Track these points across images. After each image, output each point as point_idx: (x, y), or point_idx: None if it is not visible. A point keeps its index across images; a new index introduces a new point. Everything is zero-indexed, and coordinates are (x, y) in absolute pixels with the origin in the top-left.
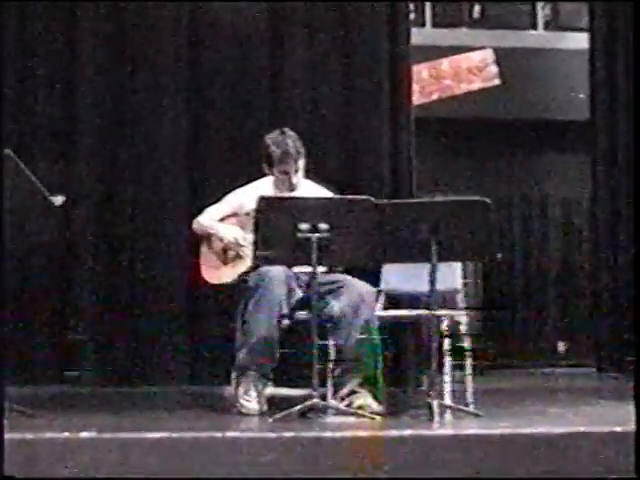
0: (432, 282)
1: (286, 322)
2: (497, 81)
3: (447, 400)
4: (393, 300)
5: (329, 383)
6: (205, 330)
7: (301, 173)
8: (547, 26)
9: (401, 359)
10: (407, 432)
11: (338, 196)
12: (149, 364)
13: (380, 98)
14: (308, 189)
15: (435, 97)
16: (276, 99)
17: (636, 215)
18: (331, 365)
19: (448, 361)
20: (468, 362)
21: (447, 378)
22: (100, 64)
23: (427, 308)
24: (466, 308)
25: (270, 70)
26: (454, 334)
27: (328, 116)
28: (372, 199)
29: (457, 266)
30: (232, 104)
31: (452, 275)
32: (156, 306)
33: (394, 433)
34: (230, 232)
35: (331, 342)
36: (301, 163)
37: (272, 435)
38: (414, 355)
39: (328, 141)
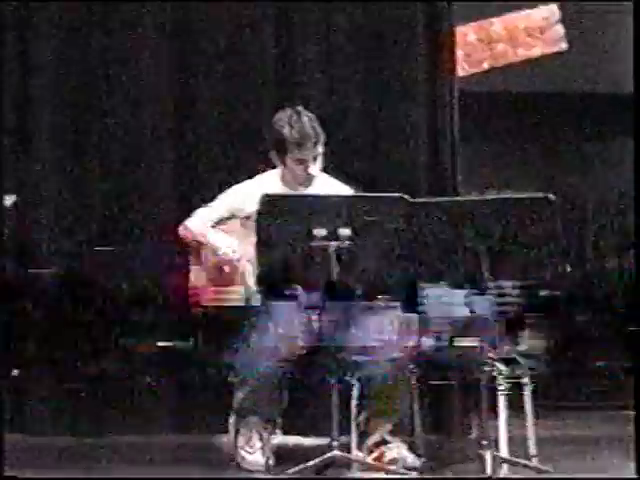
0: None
1: (298, 353)
2: (563, 45)
3: (503, 451)
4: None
5: (353, 430)
6: (195, 364)
7: (320, 162)
8: None
9: (444, 398)
10: None
11: (363, 194)
12: (124, 407)
13: (414, 70)
14: (325, 185)
15: (485, 66)
16: (282, 77)
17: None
18: (355, 407)
19: (504, 400)
20: (529, 401)
21: (503, 422)
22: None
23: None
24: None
25: (275, 40)
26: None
27: (347, 94)
28: (406, 197)
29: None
30: (228, 85)
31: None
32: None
33: None
34: (225, 242)
35: (355, 378)
36: (320, 149)
37: None
38: (460, 393)
39: (348, 127)
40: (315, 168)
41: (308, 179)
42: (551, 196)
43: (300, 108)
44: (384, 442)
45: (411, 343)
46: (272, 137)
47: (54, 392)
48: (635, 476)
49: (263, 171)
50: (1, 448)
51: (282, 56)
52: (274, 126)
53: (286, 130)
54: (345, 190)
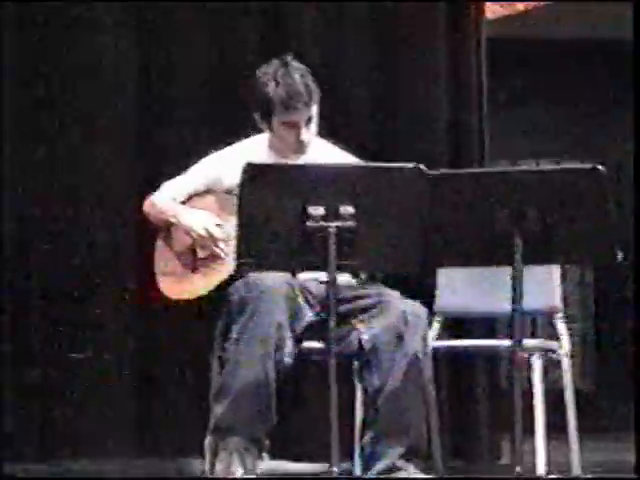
0: (515, 297)
1: (288, 359)
2: None
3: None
4: (454, 325)
5: (357, 453)
6: (161, 372)
7: (314, 126)
8: None
9: (468, 414)
10: None
11: (370, 163)
12: (78, 427)
13: (433, 11)
14: (323, 153)
15: (520, 7)
16: (270, 20)
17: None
18: (359, 424)
19: (541, 417)
20: (572, 419)
21: (541, 444)
22: None
23: (508, 336)
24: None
25: None
26: (551, 376)
27: (349, 40)
28: (422, 167)
29: (554, 273)
30: (203, 28)
31: (547, 287)
32: (88, 338)
33: None
34: (200, 220)
35: (359, 388)
36: (314, 109)
37: None
38: (488, 408)
39: (351, 81)
40: (308, 133)
41: (300, 146)
42: (600, 167)
43: (289, 59)
44: (395, 467)
45: (430, 342)
46: (255, 96)
47: None
48: (635, 476)
49: (247, 136)
50: (1, 448)
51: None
52: (257, 82)
53: (271, 87)
54: (348, 159)
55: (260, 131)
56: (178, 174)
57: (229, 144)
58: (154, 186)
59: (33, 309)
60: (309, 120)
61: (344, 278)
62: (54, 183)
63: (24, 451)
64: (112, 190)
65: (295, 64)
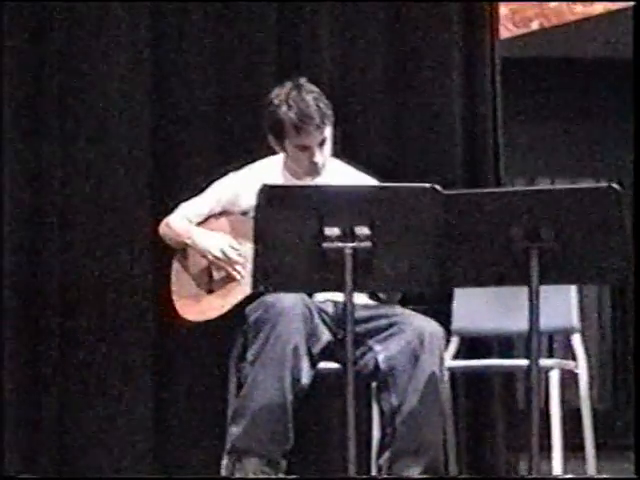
0: (532, 317)
1: (306, 380)
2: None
3: None
4: (471, 345)
5: (374, 473)
6: (178, 393)
7: (328, 148)
8: None
9: (486, 433)
10: None
11: (386, 184)
12: (91, 445)
13: (448, 31)
14: (338, 174)
15: (535, 27)
16: (286, 41)
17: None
18: (376, 445)
19: (559, 436)
20: (590, 438)
21: (558, 463)
22: None
23: (525, 356)
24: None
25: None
26: (567, 395)
27: (364, 61)
28: (438, 187)
29: (571, 292)
30: (219, 50)
31: (563, 306)
32: (104, 356)
33: None
34: (215, 242)
35: (376, 409)
36: (328, 132)
37: None
38: (505, 427)
39: (366, 102)
40: (321, 155)
41: (314, 169)
42: (616, 185)
43: (303, 81)
44: None
45: (447, 363)
46: (268, 119)
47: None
48: (635, 476)
49: (263, 157)
50: (1, 448)
51: (286, 15)
52: (270, 105)
53: (283, 110)
54: (365, 180)
55: (275, 152)
56: (194, 195)
57: (244, 165)
58: (170, 207)
59: (48, 332)
60: (322, 142)
61: (360, 299)
62: (67, 205)
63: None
64: (127, 211)
65: (308, 86)
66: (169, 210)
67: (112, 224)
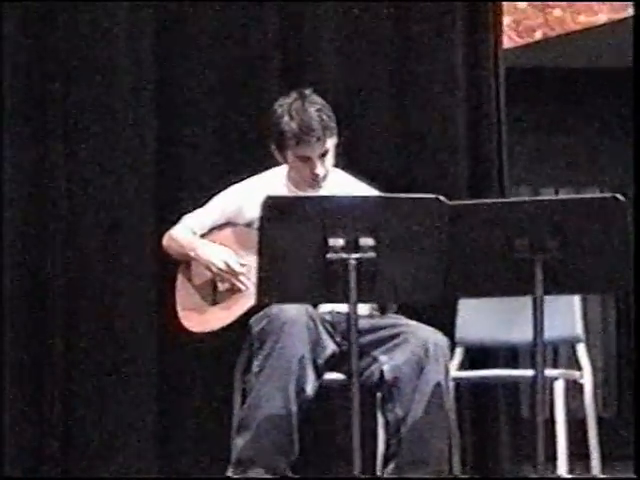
0: (536, 327)
1: (310, 391)
2: (632, 11)
3: None
4: (476, 355)
5: None
6: (182, 404)
7: (331, 159)
8: None
9: (491, 443)
10: None
11: (389, 195)
12: (95, 457)
13: (452, 40)
14: (341, 185)
15: (539, 37)
16: (290, 53)
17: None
18: (382, 455)
19: (564, 446)
20: (595, 448)
21: (564, 471)
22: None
23: (530, 366)
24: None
25: (280, 9)
26: (572, 404)
27: (369, 73)
28: (442, 198)
29: (576, 302)
30: (223, 62)
31: (568, 316)
32: (107, 370)
33: None
34: (218, 254)
35: (381, 420)
36: (331, 143)
37: None
38: (510, 437)
39: (370, 113)
40: (323, 167)
41: (315, 180)
42: (620, 196)
43: (308, 92)
44: None
45: (452, 373)
46: (271, 128)
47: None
48: (635, 476)
49: (266, 168)
50: (1, 448)
51: (289, 28)
52: (273, 115)
53: (285, 120)
54: (367, 191)
55: (279, 163)
56: (197, 207)
57: (249, 176)
58: (174, 220)
59: (53, 343)
60: (324, 154)
61: (363, 309)
62: (69, 217)
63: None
64: (132, 224)
65: (313, 98)
66: (173, 222)
67: (117, 237)
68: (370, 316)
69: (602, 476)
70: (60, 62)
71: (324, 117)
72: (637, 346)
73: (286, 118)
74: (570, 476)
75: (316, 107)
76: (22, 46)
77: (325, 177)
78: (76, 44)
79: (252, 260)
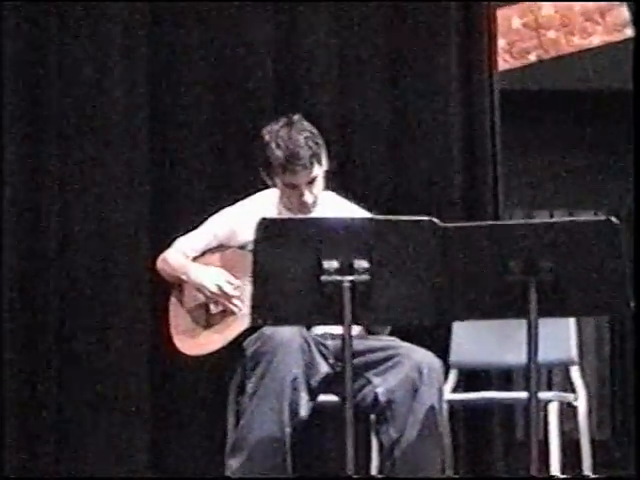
0: (530, 350)
1: (304, 413)
2: (629, 32)
3: None
4: (470, 377)
5: None
6: (176, 426)
7: (320, 186)
8: None
9: (485, 465)
10: None
11: (384, 217)
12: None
13: (446, 62)
14: (332, 207)
15: (533, 58)
16: (282, 74)
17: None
18: (377, 475)
19: (558, 468)
20: (589, 470)
21: None
22: None
23: (524, 388)
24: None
25: (275, 27)
26: (567, 426)
27: (363, 95)
28: (436, 220)
29: (570, 324)
30: (215, 84)
31: (562, 338)
32: (101, 388)
33: None
34: (210, 277)
35: (375, 442)
36: (319, 170)
37: None
38: (505, 459)
39: (364, 135)
40: (311, 195)
41: (303, 207)
42: (614, 219)
43: (296, 118)
44: None
45: (447, 395)
46: (259, 154)
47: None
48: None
49: (259, 190)
50: (1, 448)
51: (283, 48)
52: (261, 142)
53: (272, 148)
54: (360, 213)
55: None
56: (191, 229)
57: (243, 198)
58: (167, 242)
59: (47, 355)
60: (312, 181)
61: (354, 329)
62: (64, 237)
63: None
64: (125, 245)
65: (300, 125)
66: (167, 244)
67: (110, 258)
68: (363, 337)
69: (601, 476)
70: (55, 65)
71: (312, 145)
72: (637, 365)
73: (273, 145)
74: (565, 476)
75: (304, 135)
76: (19, 51)
77: (315, 203)
78: (70, 49)
79: (245, 282)
